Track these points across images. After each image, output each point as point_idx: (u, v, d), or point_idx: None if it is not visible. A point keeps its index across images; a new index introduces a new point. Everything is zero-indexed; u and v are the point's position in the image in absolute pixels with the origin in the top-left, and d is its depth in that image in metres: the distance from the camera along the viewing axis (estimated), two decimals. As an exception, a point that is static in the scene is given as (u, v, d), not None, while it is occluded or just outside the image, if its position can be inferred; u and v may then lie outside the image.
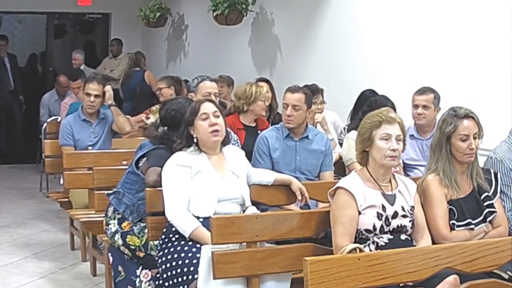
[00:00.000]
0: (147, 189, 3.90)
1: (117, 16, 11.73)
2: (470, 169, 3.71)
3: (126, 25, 11.29)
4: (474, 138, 3.64)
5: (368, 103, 5.13)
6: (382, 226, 3.34)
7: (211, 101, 3.95)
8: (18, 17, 13.48)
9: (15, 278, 5.22)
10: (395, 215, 3.37)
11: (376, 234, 3.34)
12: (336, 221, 3.33)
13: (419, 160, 5.12)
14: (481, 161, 3.86)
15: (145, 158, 4.15)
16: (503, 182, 3.85)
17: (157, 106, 6.56)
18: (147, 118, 6.45)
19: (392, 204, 3.39)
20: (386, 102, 5.00)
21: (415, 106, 5.14)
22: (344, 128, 5.86)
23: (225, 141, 3.90)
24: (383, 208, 3.36)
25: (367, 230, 3.33)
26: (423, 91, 5.14)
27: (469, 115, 3.67)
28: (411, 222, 3.42)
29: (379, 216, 3.34)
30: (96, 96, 5.92)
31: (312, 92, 5.06)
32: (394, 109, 4.72)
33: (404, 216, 3.40)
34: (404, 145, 3.45)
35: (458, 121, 3.65)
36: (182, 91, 6.62)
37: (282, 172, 4.40)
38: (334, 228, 3.34)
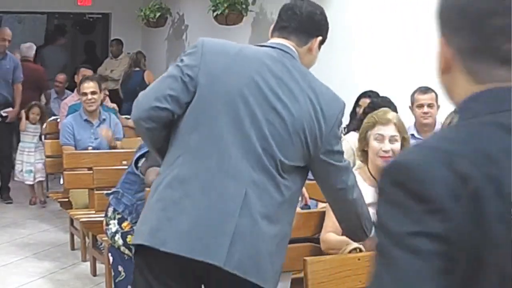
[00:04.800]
0: (147, 189, 3.89)
1: (117, 16, 11.71)
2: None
3: (126, 25, 11.27)
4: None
5: (370, 104, 5.11)
6: (382, 226, 3.33)
7: None
8: (18, 17, 13.45)
9: (15, 278, 5.21)
10: (395, 215, 3.37)
11: (376, 234, 3.33)
12: (329, 215, 3.35)
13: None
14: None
15: (144, 159, 4.16)
16: None
17: None
18: None
19: (392, 204, 3.39)
20: (389, 104, 4.98)
21: (420, 106, 5.10)
22: (344, 128, 5.84)
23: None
24: (383, 208, 3.35)
25: (367, 230, 3.34)
26: (425, 90, 5.11)
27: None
28: (411, 222, 3.42)
29: (379, 216, 3.33)
30: (92, 92, 5.91)
31: None
32: (396, 111, 4.70)
33: (404, 216, 3.39)
34: (404, 145, 3.46)
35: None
36: None
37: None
38: (325, 222, 3.36)
